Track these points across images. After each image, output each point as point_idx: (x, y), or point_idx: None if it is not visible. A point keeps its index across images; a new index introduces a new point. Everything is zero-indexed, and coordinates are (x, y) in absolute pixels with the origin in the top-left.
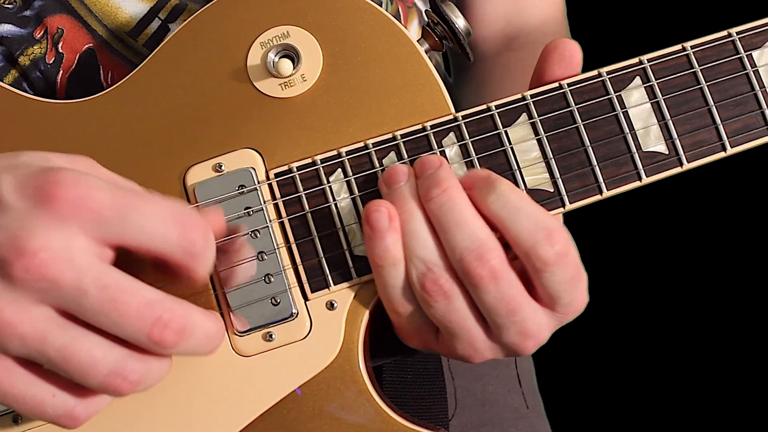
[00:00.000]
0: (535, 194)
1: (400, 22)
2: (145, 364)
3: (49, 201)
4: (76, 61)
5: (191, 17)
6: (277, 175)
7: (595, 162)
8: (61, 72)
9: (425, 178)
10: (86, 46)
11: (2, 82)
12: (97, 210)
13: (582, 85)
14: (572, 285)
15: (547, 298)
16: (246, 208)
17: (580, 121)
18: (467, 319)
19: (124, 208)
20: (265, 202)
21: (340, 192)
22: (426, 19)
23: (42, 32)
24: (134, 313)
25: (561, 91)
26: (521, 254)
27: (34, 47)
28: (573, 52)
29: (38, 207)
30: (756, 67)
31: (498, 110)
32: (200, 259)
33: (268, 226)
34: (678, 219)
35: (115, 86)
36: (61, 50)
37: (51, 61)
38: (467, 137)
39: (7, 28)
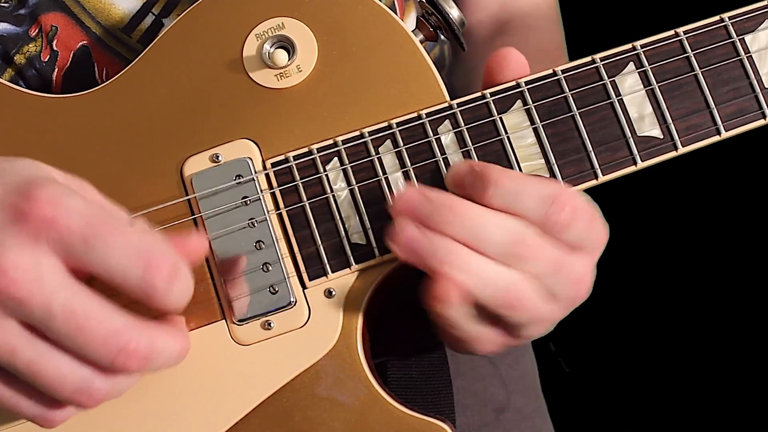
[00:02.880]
0: None
1: (396, 13)
2: (111, 382)
3: (23, 217)
4: (70, 59)
5: (186, 11)
6: (273, 165)
7: (590, 147)
8: (56, 70)
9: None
10: (80, 43)
11: None
12: (64, 233)
13: (576, 71)
14: (590, 227)
15: (576, 247)
16: (243, 198)
17: (574, 107)
18: (541, 306)
19: (92, 237)
20: (262, 192)
21: (336, 180)
22: (421, 10)
23: (37, 30)
24: (100, 341)
25: (555, 77)
26: (539, 225)
27: (29, 45)
28: (519, 60)
29: (12, 222)
30: (749, 51)
31: (493, 97)
32: (161, 298)
33: (265, 216)
34: (681, 215)
35: (111, 80)
36: (55, 48)
37: (46, 59)
38: (462, 124)
39: (2, 27)
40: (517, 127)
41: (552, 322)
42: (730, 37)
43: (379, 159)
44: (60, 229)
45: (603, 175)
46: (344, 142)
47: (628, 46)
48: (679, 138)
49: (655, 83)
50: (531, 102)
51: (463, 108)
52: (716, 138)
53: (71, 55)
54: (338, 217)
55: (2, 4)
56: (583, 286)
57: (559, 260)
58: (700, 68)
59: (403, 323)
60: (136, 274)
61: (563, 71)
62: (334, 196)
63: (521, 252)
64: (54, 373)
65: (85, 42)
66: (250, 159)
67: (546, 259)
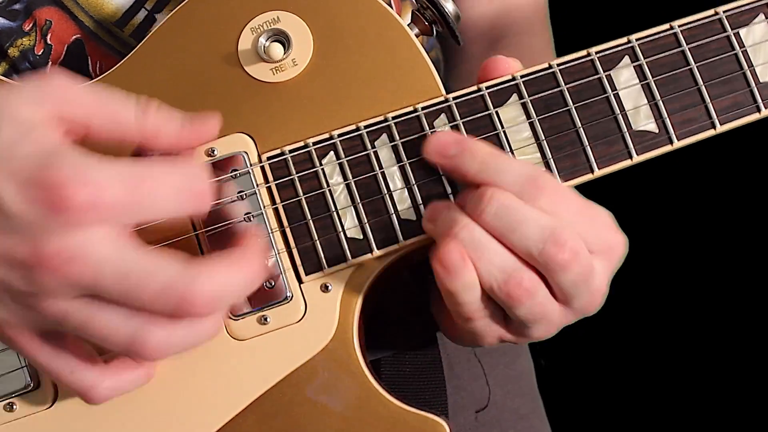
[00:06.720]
0: None
1: (392, 9)
2: (167, 330)
3: (62, 208)
4: (64, 52)
5: (181, 4)
6: (269, 159)
7: (585, 141)
8: (50, 63)
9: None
10: (74, 37)
11: None
12: (112, 206)
13: (571, 64)
14: (606, 236)
15: (595, 252)
16: (239, 192)
17: (570, 101)
18: (548, 304)
19: (139, 196)
20: (258, 186)
21: (332, 174)
22: (416, 4)
23: (31, 25)
24: (156, 298)
25: (551, 70)
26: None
27: (23, 39)
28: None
29: (51, 214)
30: (744, 44)
31: (488, 91)
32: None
33: (261, 210)
34: (677, 210)
35: (105, 74)
36: (49, 42)
37: (40, 53)
38: (458, 118)
39: None
40: (513, 120)
41: (558, 326)
42: (725, 31)
43: (375, 153)
44: (106, 205)
45: (599, 169)
46: (340, 135)
47: (624, 39)
48: (675, 132)
49: (650, 77)
50: (527, 96)
51: (458, 101)
52: (711, 132)
53: (65, 48)
54: (334, 212)
55: None
56: (600, 299)
57: (590, 267)
58: (695, 62)
59: (398, 319)
60: (189, 209)
61: (558, 65)
62: (330, 190)
63: (560, 257)
64: (105, 329)
65: (78, 36)
66: (246, 153)
67: (580, 270)
